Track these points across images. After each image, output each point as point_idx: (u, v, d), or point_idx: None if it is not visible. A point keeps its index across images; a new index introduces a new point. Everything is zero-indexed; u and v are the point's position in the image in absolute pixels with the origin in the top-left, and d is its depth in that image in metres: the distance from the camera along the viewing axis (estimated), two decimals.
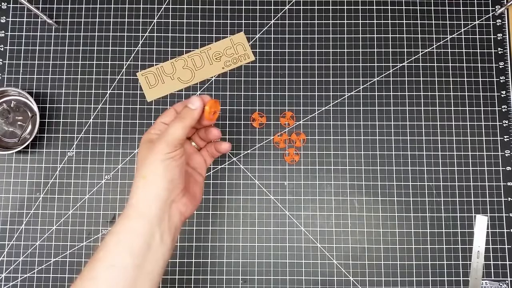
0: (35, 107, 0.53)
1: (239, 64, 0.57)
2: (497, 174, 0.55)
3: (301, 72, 0.56)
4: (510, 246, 0.53)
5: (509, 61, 0.57)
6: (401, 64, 0.57)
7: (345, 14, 0.57)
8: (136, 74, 0.56)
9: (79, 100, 0.56)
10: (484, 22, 0.57)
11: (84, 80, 0.56)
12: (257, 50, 0.57)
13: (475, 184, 0.55)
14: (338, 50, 0.57)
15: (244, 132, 0.55)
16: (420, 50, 0.57)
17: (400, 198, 0.54)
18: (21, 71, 0.56)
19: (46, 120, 0.55)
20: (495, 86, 0.56)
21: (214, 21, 0.57)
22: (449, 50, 0.57)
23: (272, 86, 0.56)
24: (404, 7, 0.58)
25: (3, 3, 0.57)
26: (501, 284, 0.53)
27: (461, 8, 0.58)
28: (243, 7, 0.58)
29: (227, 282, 0.53)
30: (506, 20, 0.57)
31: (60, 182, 0.54)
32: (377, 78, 0.56)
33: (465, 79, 0.56)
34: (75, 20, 0.57)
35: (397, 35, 0.57)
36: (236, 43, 0.57)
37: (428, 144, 0.55)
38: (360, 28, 0.57)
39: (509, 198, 0.54)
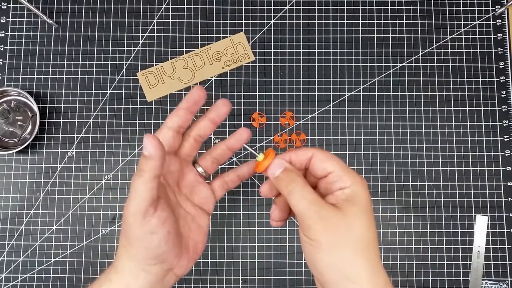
0: (35, 107, 0.53)
1: (239, 64, 0.57)
2: (497, 174, 0.55)
3: (301, 72, 0.56)
4: (510, 246, 0.53)
5: (509, 61, 0.57)
6: (401, 64, 0.57)
7: (345, 14, 0.57)
8: (136, 74, 0.56)
9: (79, 100, 0.56)
10: (484, 22, 0.57)
11: (84, 80, 0.56)
12: (257, 50, 0.57)
13: (475, 184, 0.55)
14: (338, 50, 0.57)
15: None
16: (420, 50, 0.57)
17: (400, 198, 0.54)
18: (21, 71, 0.56)
19: (46, 120, 0.55)
20: (495, 86, 0.56)
21: (214, 21, 0.57)
22: (449, 50, 0.57)
23: (272, 86, 0.56)
24: (404, 7, 0.58)
25: (3, 3, 0.57)
26: (501, 284, 0.53)
27: (461, 8, 0.58)
28: (243, 7, 0.58)
29: (227, 282, 0.53)
30: (506, 20, 0.57)
31: (60, 182, 0.54)
32: (377, 78, 0.56)
33: (465, 79, 0.56)
34: (75, 20, 0.57)
35: (397, 35, 0.57)
36: (236, 43, 0.57)
37: (428, 144, 0.55)
38: (360, 28, 0.57)
39: (509, 198, 0.54)
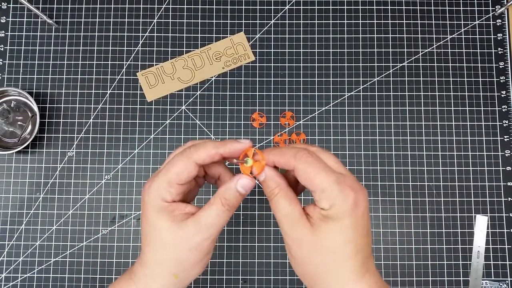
0: (35, 107, 0.53)
1: (239, 64, 0.57)
2: (497, 174, 0.55)
3: (301, 72, 0.56)
4: (510, 246, 0.53)
5: (509, 61, 0.57)
6: (401, 64, 0.57)
7: (345, 14, 0.57)
8: (136, 74, 0.56)
9: (79, 100, 0.56)
10: (484, 22, 0.57)
11: (84, 80, 0.56)
12: (257, 50, 0.57)
13: (475, 184, 0.54)
14: (338, 50, 0.57)
15: (244, 132, 0.55)
16: (420, 50, 0.57)
17: (400, 198, 0.54)
18: (21, 71, 0.56)
19: (46, 120, 0.55)
20: (495, 86, 0.56)
21: (214, 21, 0.57)
22: (449, 50, 0.57)
23: (272, 86, 0.56)
24: (404, 7, 0.58)
25: (3, 3, 0.57)
26: (501, 284, 0.53)
27: (461, 8, 0.58)
28: (243, 7, 0.58)
29: (227, 282, 0.53)
30: (506, 20, 0.57)
31: (60, 182, 0.54)
32: (377, 78, 0.56)
33: (465, 79, 0.56)
34: (75, 20, 0.57)
35: (397, 35, 0.57)
36: (236, 43, 0.57)
37: (428, 144, 0.55)
38: (360, 28, 0.57)
39: (509, 198, 0.54)
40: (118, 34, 0.57)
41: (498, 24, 0.57)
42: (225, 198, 0.31)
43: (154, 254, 0.32)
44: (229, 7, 0.57)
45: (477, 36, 0.57)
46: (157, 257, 0.32)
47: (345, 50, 0.57)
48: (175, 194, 0.31)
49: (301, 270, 0.31)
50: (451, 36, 0.57)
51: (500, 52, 0.57)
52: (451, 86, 0.56)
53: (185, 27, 0.57)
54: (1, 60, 0.56)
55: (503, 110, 0.56)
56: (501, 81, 0.56)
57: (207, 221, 0.31)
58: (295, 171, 0.30)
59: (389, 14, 0.58)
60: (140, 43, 0.57)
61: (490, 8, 0.58)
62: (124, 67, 0.56)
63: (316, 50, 0.57)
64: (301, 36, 0.57)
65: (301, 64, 0.56)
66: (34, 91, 0.56)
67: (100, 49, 0.57)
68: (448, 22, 0.58)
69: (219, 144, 0.31)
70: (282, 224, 0.31)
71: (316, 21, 0.57)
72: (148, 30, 0.57)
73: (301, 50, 0.57)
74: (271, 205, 0.32)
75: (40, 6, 0.57)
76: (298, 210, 0.31)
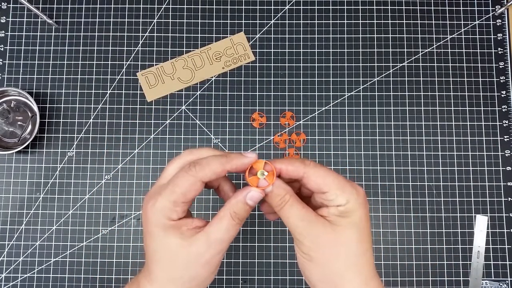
0: (35, 107, 0.53)
1: (239, 64, 0.57)
2: (497, 174, 0.55)
3: (301, 72, 0.56)
4: (510, 246, 0.53)
5: (509, 61, 0.57)
6: (401, 64, 0.57)
7: (345, 14, 0.57)
8: (136, 74, 0.56)
9: (79, 100, 0.56)
10: (484, 22, 0.57)
11: (84, 80, 0.56)
12: (257, 50, 0.57)
13: (475, 184, 0.54)
14: (338, 50, 0.57)
15: (244, 132, 0.55)
16: (420, 50, 0.57)
17: (400, 198, 0.54)
18: (21, 71, 0.56)
19: (46, 120, 0.55)
20: (495, 86, 0.56)
21: (214, 21, 0.57)
22: (449, 50, 0.57)
23: (272, 86, 0.56)
24: (404, 7, 0.58)
25: (3, 3, 0.57)
26: (501, 284, 0.53)
27: (461, 8, 0.58)
28: (243, 7, 0.58)
29: (227, 282, 0.53)
30: (506, 20, 0.57)
31: (60, 182, 0.54)
32: (377, 78, 0.56)
33: (465, 79, 0.56)
34: (75, 20, 0.57)
35: (397, 35, 0.57)
36: (236, 43, 0.57)
37: (428, 144, 0.55)
38: (360, 28, 0.57)
39: (509, 198, 0.54)
40: (118, 34, 0.57)
41: (498, 24, 0.57)
42: (235, 212, 0.31)
43: (165, 272, 0.31)
44: (229, 7, 0.57)
45: (477, 36, 0.57)
46: (168, 275, 0.31)
47: (345, 50, 0.57)
48: (181, 212, 0.31)
49: (321, 272, 0.31)
50: (451, 36, 0.57)
51: (500, 52, 0.57)
52: (451, 86, 0.56)
53: (185, 27, 0.57)
54: (1, 60, 0.56)
55: (503, 110, 0.56)
56: (501, 81, 0.56)
57: (217, 236, 0.31)
58: (306, 176, 0.31)
59: (389, 14, 0.58)
60: (140, 43, 0.57)
61: (490, 8, 0.58)
62: (124, 67, 0.56)
63: (316, 50, 0.57)
64: (301, 36, 0.57)
65: (301, 64, 0.56)
66: (34, 91, 0.56)
67: (100, 49, 0.57)
68: (448, 22, 0.58)
69: (225, 161, 0.31)
70: (299, 228, 0.31)
71: (316, 21, 0.57)
72: (148, 30, 0.57)
73: (301, 50, 0.57)
74: (282, 214, 0.32)
75: (40, 6, 0.57)
76: (312, 211, 0.32)
